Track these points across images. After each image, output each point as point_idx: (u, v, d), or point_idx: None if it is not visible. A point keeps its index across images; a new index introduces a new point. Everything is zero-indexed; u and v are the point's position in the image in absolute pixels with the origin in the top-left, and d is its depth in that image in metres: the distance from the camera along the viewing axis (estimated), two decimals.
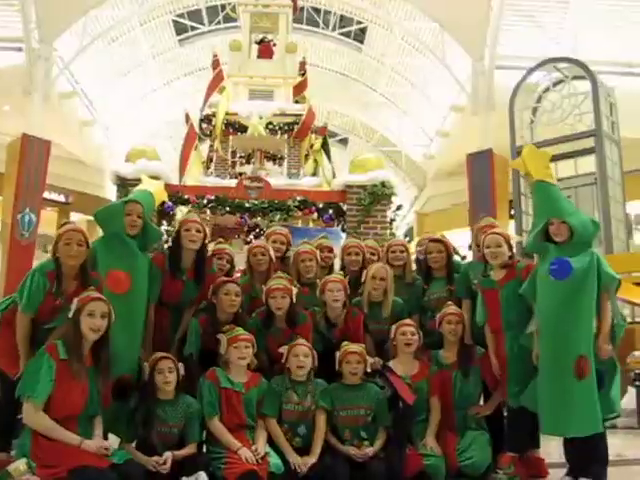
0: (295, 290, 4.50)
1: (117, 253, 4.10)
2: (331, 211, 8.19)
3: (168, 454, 3.72)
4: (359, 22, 21.48)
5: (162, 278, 4.39)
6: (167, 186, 8.01)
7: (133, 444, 3.90)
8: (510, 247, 4.47)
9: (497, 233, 4.54)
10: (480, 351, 4.57)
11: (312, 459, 3.97)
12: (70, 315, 3.54)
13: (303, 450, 4.07)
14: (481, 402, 4.68)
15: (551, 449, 4.60)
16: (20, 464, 3.26)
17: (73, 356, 3.46)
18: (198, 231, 4.45)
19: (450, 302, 4.69)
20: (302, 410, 4.18)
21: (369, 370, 4.32)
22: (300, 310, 4.57)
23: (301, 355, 4.19)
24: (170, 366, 3.93)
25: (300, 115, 11.12)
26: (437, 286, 5.00)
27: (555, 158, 13.02)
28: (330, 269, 5.29)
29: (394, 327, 4.54)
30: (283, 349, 4.26)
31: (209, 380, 4.07)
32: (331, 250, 5.34)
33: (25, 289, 3.78)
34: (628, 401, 10.06)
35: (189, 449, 3.88)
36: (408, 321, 4.58)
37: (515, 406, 4.30)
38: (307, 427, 4.18)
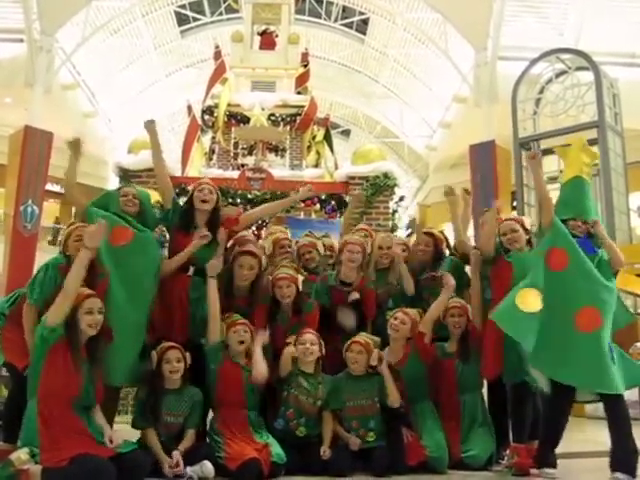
0: (301, 278, 4.54)
1: (119, 219, 4.15)
2: (333, 202, 8.20)
3: (177, 454, 3.74)
4: (361, 13, 21.39)
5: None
6: (170, 177, 8.03)
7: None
8: (526, 230, 4.48)
9: (511, 219, 4.57)
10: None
11: (328, 450, 4.02)
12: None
13: (306, 440, 4.12)
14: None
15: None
16: (21, 453, 3.28)
17: (73, 349, 3.46)
18: (211, 192, 4.48)
19: (454, 295, 4.69)
20: (311, 403, 4.21)
21: (373, 364, 4.31)
22: (307, 299, 4.60)
23: (308, 342, 4.22)
24: (178, 356, 3.97)
25: (302, 106, 11.10)
26: (423, 272, 5.05)
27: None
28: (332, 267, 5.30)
29: (393, 311, 4.58)
30: (291, 338, 4.31)
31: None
32: (332, 248, 5.31)
33: (37, 282, 3.81)
34: (631, 392, 10.08)
35: (190, 438, 3.91)
36: (408, 310, 4.59)
37: (513, 382, 4.30)
38: (311, 419, 4.21)
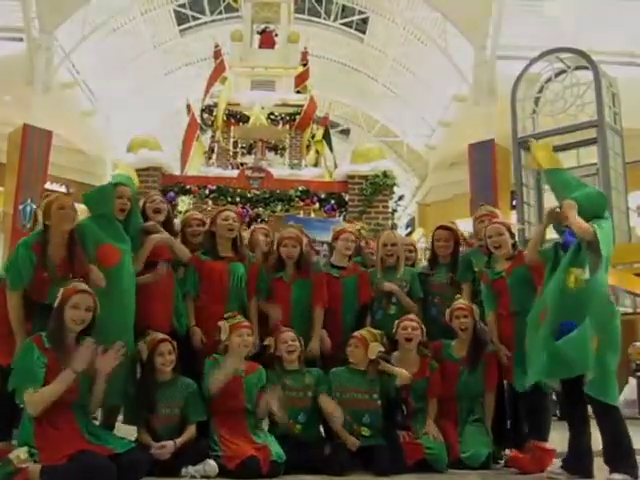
0: (306, 240, 4.68)
1: (106, 231, 4.05)
2: (333, 201, 8.21)
3: (170, 443, 3.73)
4: (361, 12, 21.38)
5: None
6: (169, 176, 8.05)
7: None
8: (512, 235, 4.49)
9: (498, 222, 4.56)
10: (490, 348, 4.55)
11: (355, 441, 4.07)
12: (56, 304, 3.49)
13: (303, 438, 4.12)
14: None
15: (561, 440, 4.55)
16: (20, 452, 3.28)
17: (57, 345, 3.44)
18: (162, 202, 4.66)
19: (458, 295, 4.69)
20: (301, 397, 4.22)
21: (371, 357, 4.29)
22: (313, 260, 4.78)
23: (289, 340, 4.26)
24: (169, 348, 3.96)
25: (302, 105, 11.10)
26: (440, 272, 5.03)
27: (557, 149, 13.04)
28: None
29: (397, 322, 4.53)
30: (269, 340, 4.31)
31: (212, 359, 4.12)
32: (318, 252, 5.38)
33: (12, 265, 3.72)
34: (630, 392, 10.10)
35: (189, 432, 3.88)
36: (411, 316, 4.56)
37: (522, 389, 4.26)
38: (307, 414, 4.22)
